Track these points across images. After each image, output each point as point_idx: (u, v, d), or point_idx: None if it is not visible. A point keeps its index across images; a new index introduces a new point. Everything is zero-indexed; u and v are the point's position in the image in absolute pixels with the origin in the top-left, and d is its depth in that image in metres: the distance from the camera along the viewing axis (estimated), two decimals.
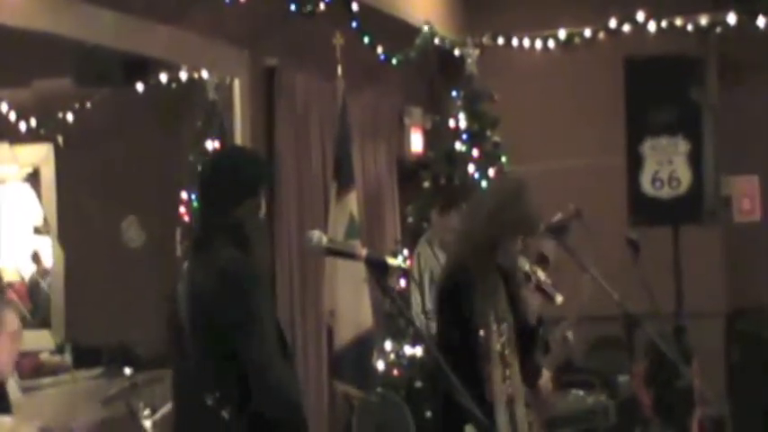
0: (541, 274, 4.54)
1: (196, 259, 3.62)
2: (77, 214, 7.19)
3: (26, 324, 6.52)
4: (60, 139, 7.20)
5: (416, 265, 6.39)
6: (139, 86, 6.75)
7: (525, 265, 4.47)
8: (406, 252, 7.50)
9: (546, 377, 4.89)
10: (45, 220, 7.24)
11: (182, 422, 3.78)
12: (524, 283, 4.47)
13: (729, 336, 8.49)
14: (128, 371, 5.20)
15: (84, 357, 6.44)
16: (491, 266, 4.36)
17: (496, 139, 7.86)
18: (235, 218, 3.55)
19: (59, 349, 6.69)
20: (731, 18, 7.80)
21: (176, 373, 3.77)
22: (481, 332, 4.25)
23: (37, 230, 7.26)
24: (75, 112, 7.16)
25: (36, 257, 7.32)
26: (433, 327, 4.78)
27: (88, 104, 7.15)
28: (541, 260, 5.08)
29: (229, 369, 3.46)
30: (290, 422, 3.58)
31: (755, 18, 7.77)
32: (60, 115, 7.17)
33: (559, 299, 4.48)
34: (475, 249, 4.34)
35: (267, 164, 4.00)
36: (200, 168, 3.64)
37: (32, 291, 7.26)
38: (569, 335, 5.30)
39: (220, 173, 3.62)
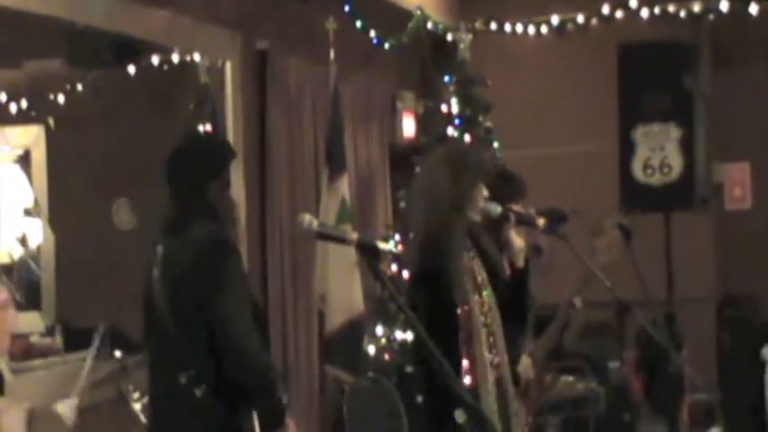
0: (517, 207, 4.52)
1: (172, 241, 3.81)
2: (68, 196, 7.15)
3: (16, 306, 6.51)
4: (51, 121, 7.16)
5: None
6: (131, 68, 6.72)
7: (497, 208, 4.43)
8: (397, 237, 7.50)
9: (526, 363, 4.87)
10: (36, 201, 7.21)
11: (156, 403, 3.84)
12: (503, 224, 4.43)
13: (720, 322, 8.52)
14: (118, 353, 5.19)
15: (75, 339, 6.43)
16: (461, 231, 4.30)
17: (489, 124, 7.85)
18: (207, 198, 3.81)
19: (49, 331, 6.67)
20: (724, 5, 7.79)
21: (151, 357, 3.90)
22: (465, 307, 4.23)
23: (27, 212, 7.23)
24: (66, 94, 7.12)
25: (24, 239, 7.29)
26: None
27: (79, 86, 7.11)
28: (535, 250, 5.08)
29: (204, 343, 3.62)
30: (261, 390, 3.72)
31: (748, 5, 7.76)
32: (51, 97, 7.12)
33: (541, 221, 4.47)
34: (444, 217, 4.27)
35: (228, 144, 4.36)
36: (168, 156, 3.94)
37: (22, 273, 7.23)
38: (577, 301, 5.31)
39: (188, 158, 3.91)
